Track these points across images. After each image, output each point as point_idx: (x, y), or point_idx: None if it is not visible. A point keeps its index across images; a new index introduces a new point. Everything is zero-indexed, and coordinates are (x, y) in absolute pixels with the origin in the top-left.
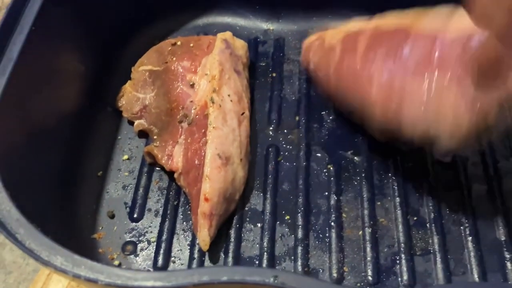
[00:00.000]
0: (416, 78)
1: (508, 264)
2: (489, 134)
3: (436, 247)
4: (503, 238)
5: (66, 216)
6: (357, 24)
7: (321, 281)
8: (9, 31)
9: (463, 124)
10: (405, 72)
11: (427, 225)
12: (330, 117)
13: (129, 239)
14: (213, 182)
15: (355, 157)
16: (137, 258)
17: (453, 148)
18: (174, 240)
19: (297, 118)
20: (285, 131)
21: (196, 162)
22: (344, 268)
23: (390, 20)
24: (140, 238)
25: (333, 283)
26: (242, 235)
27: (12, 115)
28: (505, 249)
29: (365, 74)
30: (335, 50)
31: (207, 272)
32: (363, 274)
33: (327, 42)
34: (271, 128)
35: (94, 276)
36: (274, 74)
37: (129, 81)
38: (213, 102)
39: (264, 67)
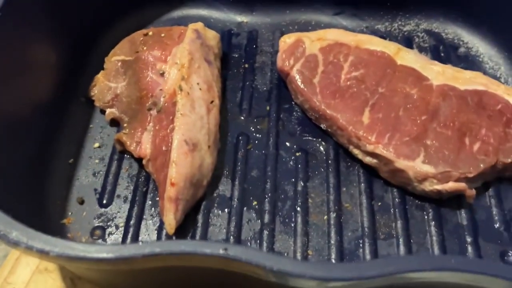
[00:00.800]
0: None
1: (469, 247)
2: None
3: (399, 231)
4: (465, 223)
5: (36, 201)
6: (336, 34)
7: (267, 253)
8: None
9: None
10: (400, 108)
11: (391, 210)
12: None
13: (98, 224)
14: (180, 167)
15: (323, 145)
16: (106, 242)
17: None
18: (142, 225)
19: (268, 107)
20: (256, 120)
21: (164, 148)
22: (309, 251)
23: (370, 39)
24: (108, 223)
25: None
26: (210, 220)
27: None
28: (466, 233)
29: (354, 96)
30: (317, 58)
31: (159, 245)
32: (326, 257)
33: (308, 49)
34: (242, 117)
35: (47, 248)
36: (246, 65)
37: (101, 71)
38: (181, 90)
39: (237, 58)
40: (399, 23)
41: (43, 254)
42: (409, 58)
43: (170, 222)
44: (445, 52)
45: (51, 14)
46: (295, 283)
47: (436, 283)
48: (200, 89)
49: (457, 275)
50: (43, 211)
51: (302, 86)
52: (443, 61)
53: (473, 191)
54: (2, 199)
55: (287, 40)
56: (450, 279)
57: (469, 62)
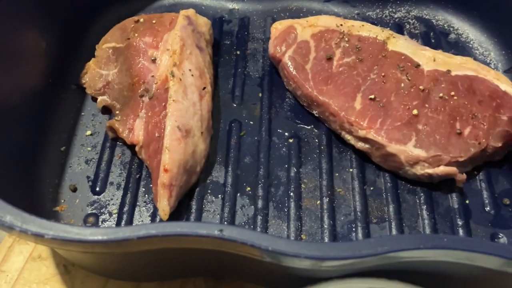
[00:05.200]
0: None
1: (460, 230)
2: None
3: (392, 215)
4: (456, 206)
5: (29, 189)
6: (327, 20)
7: (262, 234)
8: None
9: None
10: (392, 94)
11: (383, 194)
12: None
13: (91, 211)
14: (173, 153)
15: (315, 132)
16: None
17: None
18: (136, 211)
19: (260, 94)
20: (248, 107)
21: (156, 134)
22: (302, 235)
23: (362, 26)
24: (101, 210)
25: None
26: (204, 206)
27: None
28: (457, 216)
29: (346, 82)
30: (309, 45)
31: (154, 226)
32: (320, 241)
33: (300, 35)
34: (234, 104)
35: (42, 231)
36: (238, 52)
37: (93, 59)
38: (173, 76)
39: (228, 45)
40: (390, 9)
41: (38, 237)
42: (400, 44)
43: (164, 208)
44: (435, 38)
45: (42, 3)
46: (290, 263)
47: (429, 262)
48: (192, 75)
49: (449, 253)
50: (35, 198)
51: (294, 73)
52: (434, 47)
53: (464, 176)
54: None
55: (278, 27)
56: (443, 258)
57: (460, 48)
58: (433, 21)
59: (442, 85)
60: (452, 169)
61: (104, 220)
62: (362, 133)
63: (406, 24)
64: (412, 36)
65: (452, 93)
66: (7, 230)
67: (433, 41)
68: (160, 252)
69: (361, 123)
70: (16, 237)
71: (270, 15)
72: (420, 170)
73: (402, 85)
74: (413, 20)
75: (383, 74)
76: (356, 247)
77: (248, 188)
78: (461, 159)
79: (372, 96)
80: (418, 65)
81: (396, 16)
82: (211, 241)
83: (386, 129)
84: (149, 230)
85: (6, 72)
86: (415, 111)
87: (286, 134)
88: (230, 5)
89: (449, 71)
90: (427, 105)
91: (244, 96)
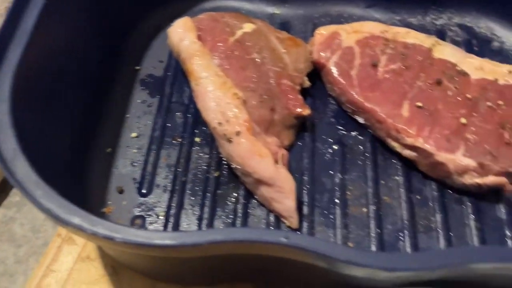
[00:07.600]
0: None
1: (509, 241)
2: None
3: (439, 224)
4: (504, 217)
5: (75, 190)
6: (372, 26)
7: (329, 242)
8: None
9: None
10: (439, 102)
11: (430, 203)
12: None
13: (138, 214)
14: None
15: (359, 138)
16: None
17: None
18: (182, 214)
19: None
20: None
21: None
22: (349, 243)
23: (407, 32)
24: (148, 213)
25: None
26: (249, 211)
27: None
28: (506, 226)
29: (392, 89)
30: (354, 51)
31: (221, 232)
32: (367, 249)
33: (345, 41)
34: None
35: (110, 234)
36: None
37: None
38: None
39: None
40: (432, 16)
41: (108, 240)
42: (446, 51)
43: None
44: (478, 46)
45: (88, 10)
46: (349, 270)
47: (495, 276)
48: None
49: None
50: (82, 200)
51: (339, 79)
52: (477, 55)
53: None
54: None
55: (323, 32)
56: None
57: (504, 56)
58: (475, 28)
59: (490, 94)
60: (502, 179)
61: (151, 223)
62: (410, 141)
63: (448, 31)
64: (454, 43)
65: (500, 102)
66: (76, 231)
67: (476, 48)
68: (212, 256)
69: (409, 130)
70: (85, 238)
71: (311, 20)
72: (469, 179)
73: (450, 93)
74: (455, 27)
75: (429, 81)
76: (428, 258)
77: None
78: (510, 169)
79: (420, 104)
80: (465, 73)
81: (438, 23)
82: (276, 248)
83: (434, 137)
84: (216, 236)
85: (59, 69)
86: (463, 120)
87: (330, 140)
88: (271, 10)
89: (496, 80)
90: (475, 114)
91: None
